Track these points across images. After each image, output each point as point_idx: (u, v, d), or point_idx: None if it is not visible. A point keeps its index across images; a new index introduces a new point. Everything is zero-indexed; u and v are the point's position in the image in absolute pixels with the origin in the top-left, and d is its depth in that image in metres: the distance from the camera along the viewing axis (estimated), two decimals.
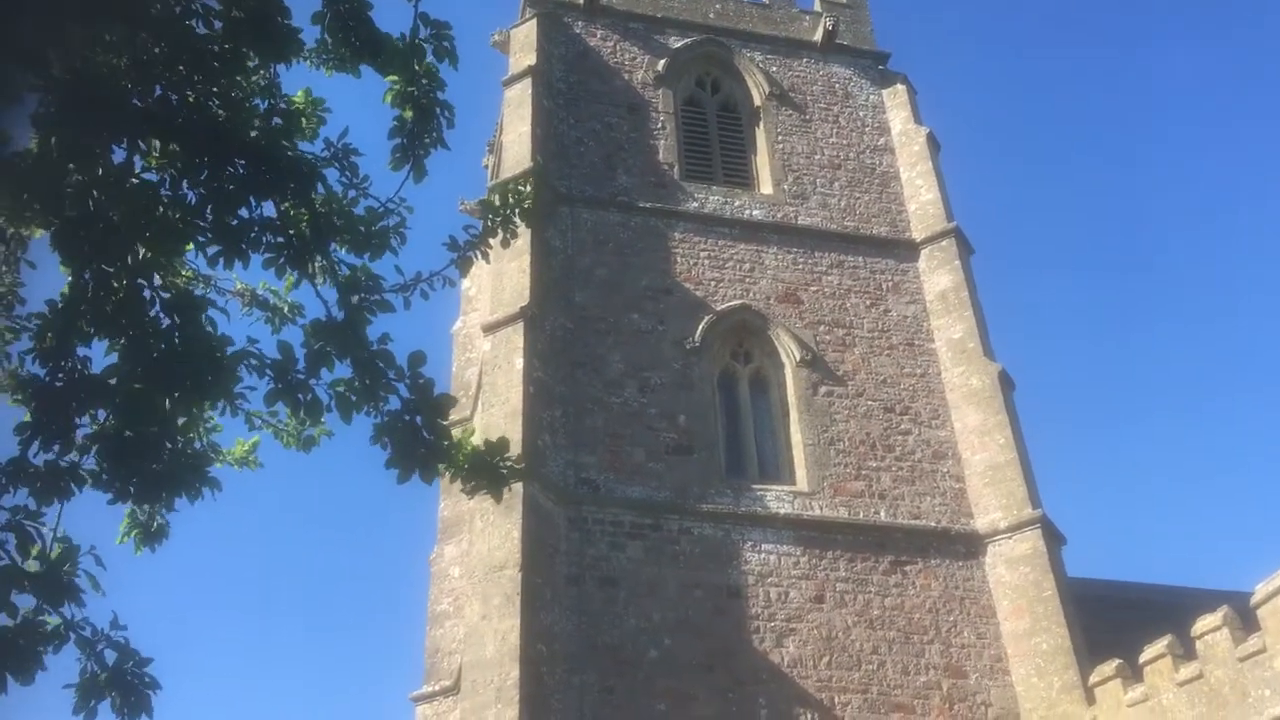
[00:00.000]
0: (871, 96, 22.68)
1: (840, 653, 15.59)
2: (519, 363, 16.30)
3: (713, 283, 18.98)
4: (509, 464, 5.21)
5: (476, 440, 5.32)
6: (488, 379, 16.76)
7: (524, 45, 20.99)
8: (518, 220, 5.32)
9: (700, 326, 18.27)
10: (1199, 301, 52.50)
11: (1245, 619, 12.64)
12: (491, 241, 5.29)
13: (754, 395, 18.43)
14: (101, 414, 4.57)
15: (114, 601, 4.85)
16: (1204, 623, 12.99)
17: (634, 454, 16.82)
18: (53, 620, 4.70)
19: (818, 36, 23.11)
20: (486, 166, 25.76)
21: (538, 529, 14.99)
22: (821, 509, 16.90)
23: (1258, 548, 41.38)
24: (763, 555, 16.24)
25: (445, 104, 5.35)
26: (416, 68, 5.25)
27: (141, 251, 4.43)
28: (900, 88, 22.66)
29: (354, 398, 4.77)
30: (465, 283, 22.65)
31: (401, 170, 5.29)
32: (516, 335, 16.61)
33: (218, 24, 4.71)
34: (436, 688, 17.24)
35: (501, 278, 17.58)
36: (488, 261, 5.77)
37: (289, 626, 48.74)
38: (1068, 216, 55.90)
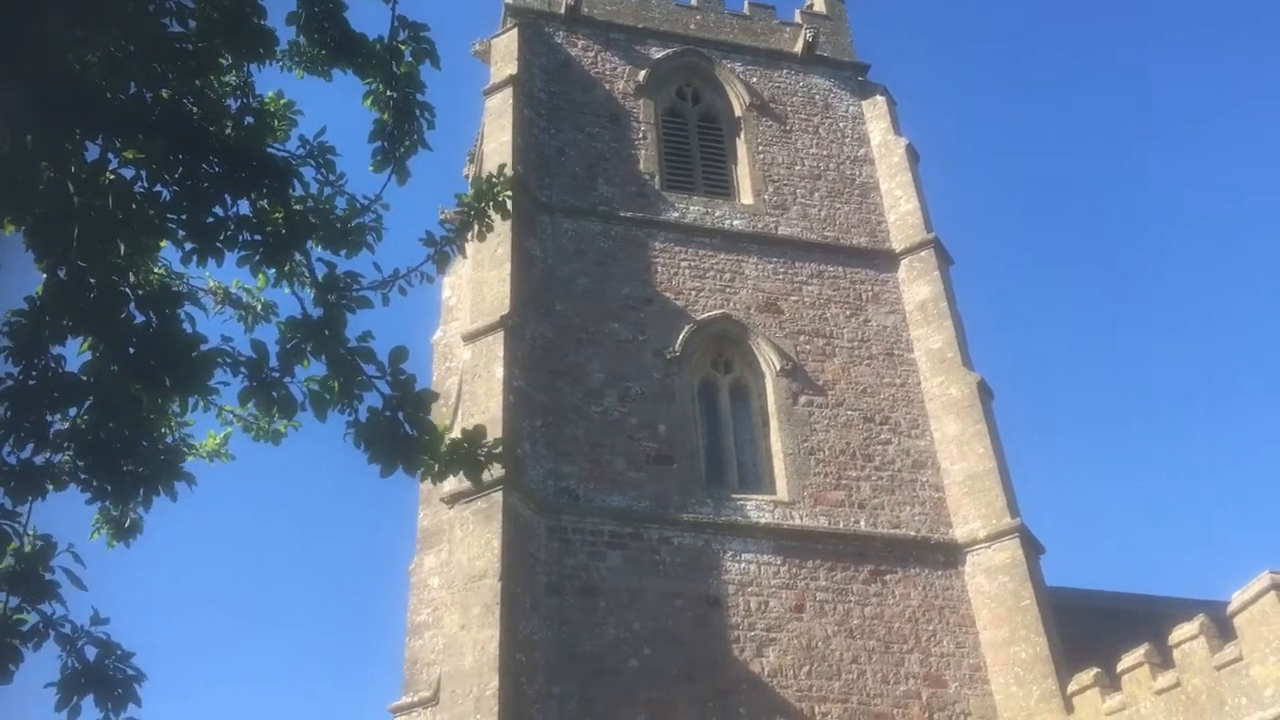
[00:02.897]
0: (851, 107, 22.80)
1: (820, 662, 15.59)
2: (499, 372, 16.27)
3: (693, 292, 19.02)
4: (487, 450, 5.21)
5: (455, 433, 5.31)
6: (468, 388, 16.72)
7: (505, 55, 21.01)
8: (493, 214, 5.32)
9: (681, 336, 18.29)
10: (1178, 310, 52.94)
11: (1222, 628, 12.70)
12: (468, 236, 5.29)
13: (734, 405, 18.45)
14: (74, 412, 4.54)
15: (94, 600, 4.83)
16: (1181, 631, 13.04)
17: (614, 463, 16.81)
18: (31, 618, 4.68)
19: (798, 48, 23.23)
20: (467, 176, 25.73)
21: (517, 538, 14.94)
22: (801, 518, 16.92)
23: (1234, 556, 41.67)
24: (743, 565, 16.24)
25: (425, 105, 5.35)
26: (395, 69, 5.25)
27: (119, 248, 4.41)
28: (880, 99, 22.78)
29: (329, 395, 4.75)
30: (446, 292, 22.61)
31: (384, 172, 5.30)
32: (497, 344, 16.58)
33: (192, 23, 4.70)
34: (415, 698, 17.14)
35: (482, 287, 17.57)
36: (464, 256, 5.77)
37: (267, 637, 48.45)
38: (1046, 225, 56.29)
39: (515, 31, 21.35)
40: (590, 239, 19.23)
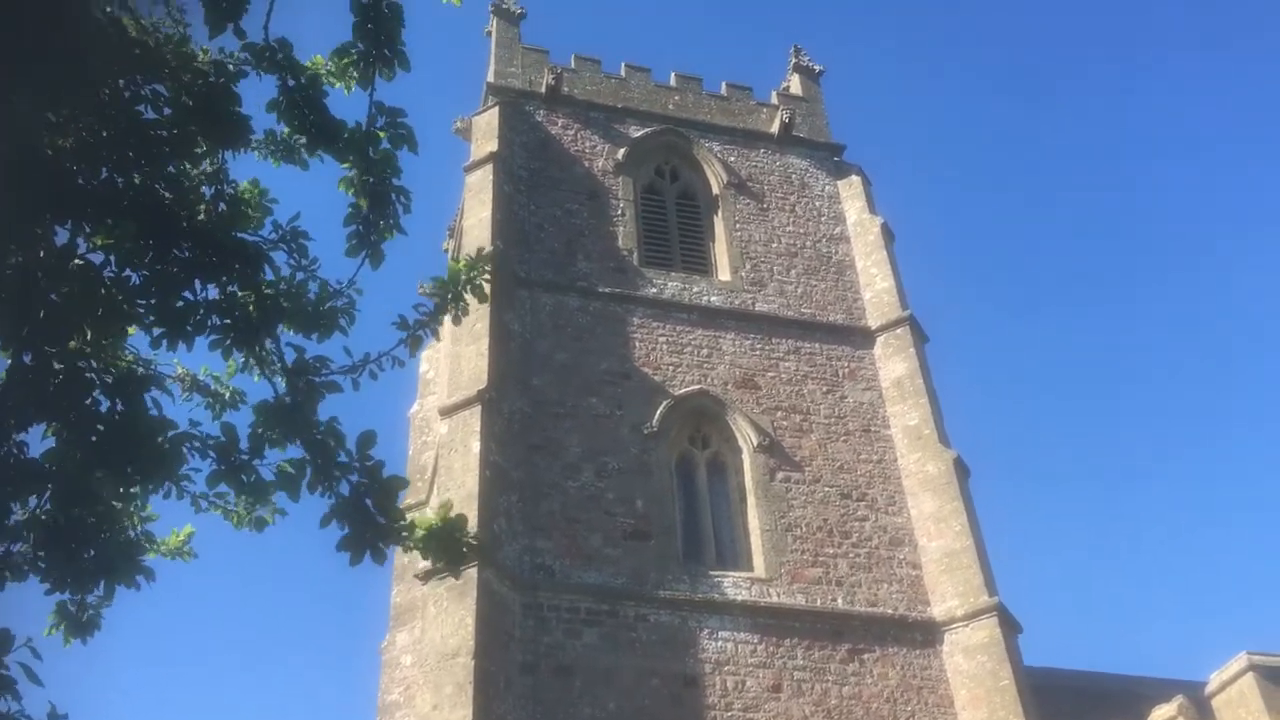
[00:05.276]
0: (827, 187, 23.11)
1: None
2: (476, 446, 16.18)
3: (671, 368, 19.06)
4: (467, 540, 5.15)
5: (433, 518, 5.26)
6: (444, 462, 16.61)
7: (486, 132, 21.25)
8: (469, 297, 5.33)
9: (658, 411, 18.28)
10: (1154, 386, 53.29)
11: (1200, 708, 12.65)
12: (443, 319, 5.29)
13: (711, 480, 18.40)
14: (34, 501, 4.48)
15: (55, 689, 4.71)
16: (1160, 713, 13.00)
17: (591, 539, 16.68)
18: None
19: (775, 128, 23.60)
20: (447, 250, 25.87)
21: (492, 615, 14.75)
22: (779, 596, 16.79)
23: (1212, 637, 41.53)
24: (720, 643, 16.07)
25: (401, 190, 5.35)
26: (372, 154, 5.28)
27: (85, 333, 4.39)
28: (855, 179, 23.13)
29: (305, 478, 4.71)
30: (423, 366, 22.60)
31: (358, 256, 5.30)
32: (473, 419, 16.51)
33: (167, 110, 4.73)
34: None
35: (459, 361, 17.55)
36: (438, 339, 5.76)
37: (235, 718, 47.42)
38: (1020, 299, 56.81)
39: (496, 110, 21.62)
40: (569, 314, 19.30)
